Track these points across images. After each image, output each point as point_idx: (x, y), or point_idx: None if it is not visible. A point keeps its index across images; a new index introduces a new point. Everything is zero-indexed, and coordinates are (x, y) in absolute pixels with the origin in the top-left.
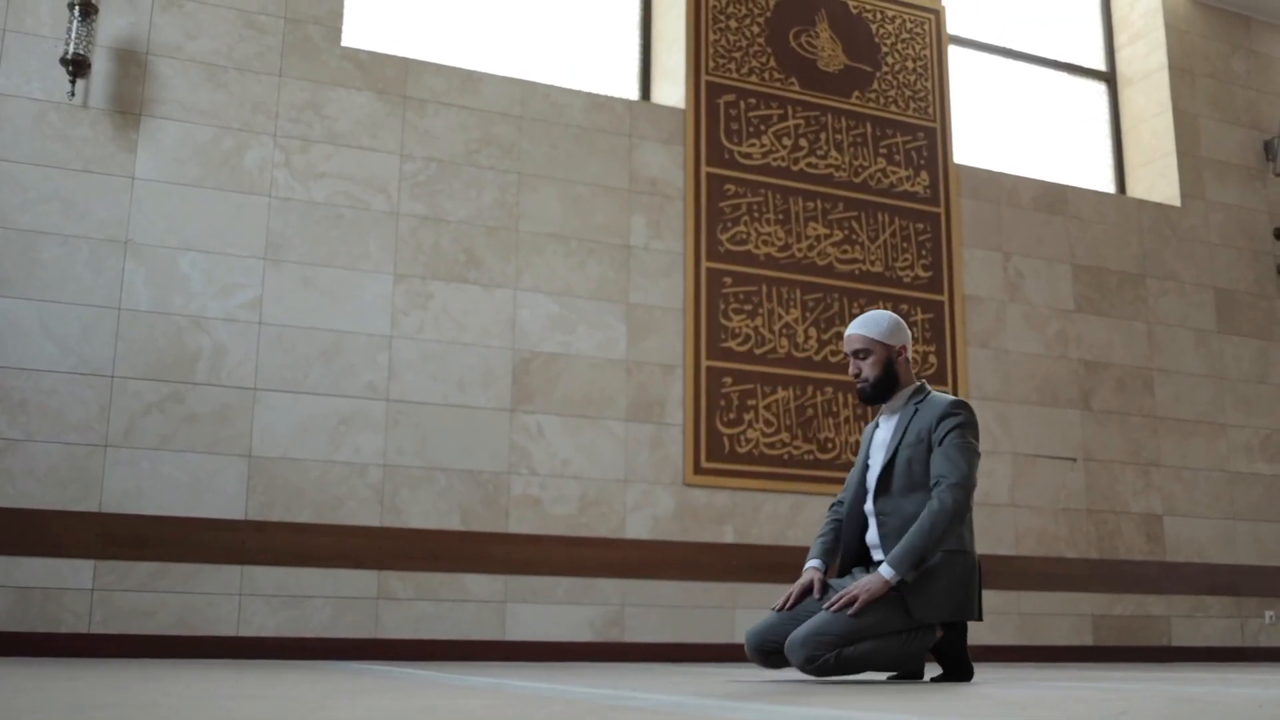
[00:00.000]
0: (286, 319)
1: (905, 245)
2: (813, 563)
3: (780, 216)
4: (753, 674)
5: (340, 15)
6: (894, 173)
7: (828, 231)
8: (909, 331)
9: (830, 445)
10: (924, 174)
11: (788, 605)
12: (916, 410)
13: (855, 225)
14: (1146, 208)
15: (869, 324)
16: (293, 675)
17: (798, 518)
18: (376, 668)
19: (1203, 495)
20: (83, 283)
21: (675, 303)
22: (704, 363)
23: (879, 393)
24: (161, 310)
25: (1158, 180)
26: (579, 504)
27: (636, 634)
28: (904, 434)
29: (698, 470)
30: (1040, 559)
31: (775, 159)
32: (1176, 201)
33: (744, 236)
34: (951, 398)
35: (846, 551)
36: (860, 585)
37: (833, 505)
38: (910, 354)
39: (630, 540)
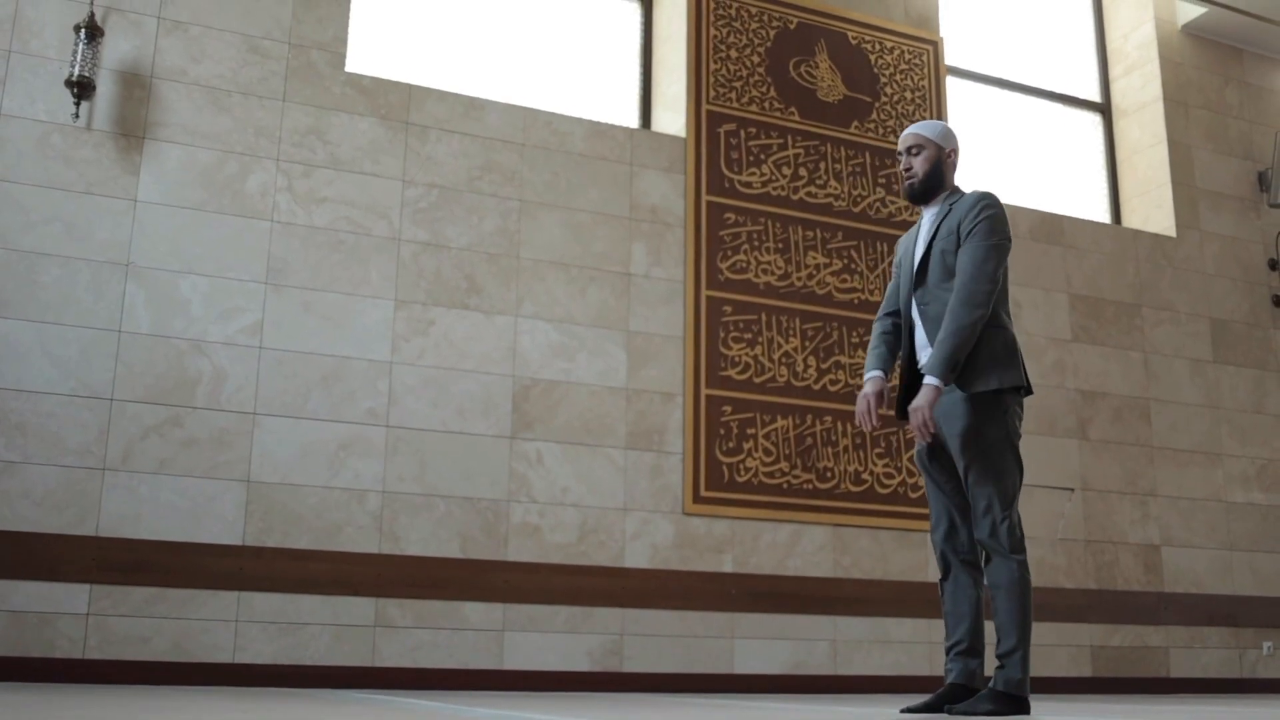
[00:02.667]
0: (287, 344)
1: None
2: (873, 373)
3: (780, 245)
4: (757, 705)
5: (344, 41)
6: (893, 202)
7: (827, 260)
8: (959, 143)
9: (829, 474)
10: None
11: (870, 418)
12: (951, 208)
13: (854, 254)
14: (1142, 238)
15: (923, 125)
16: (295, 705)
17: (797, 547)
18: (377, 697)
19: (1200, 525)
20: (83, 305)
21: (675, 331)
22: (703, 391)
23: (926, 188)
24: (162, 334)
25: (1153, 211)
26: (578, 532)
27: (635, 664)
28: (938, 229)
29: (697, 499)
30: (1038, 589)
31: (775, 188)
32: (1172, 232)
33: (744, 265)
34: (980, 191)
35: (904, 359)
36: (916, 407)
37: (880, 318)
38: (957, 162)
39: (629, 569)
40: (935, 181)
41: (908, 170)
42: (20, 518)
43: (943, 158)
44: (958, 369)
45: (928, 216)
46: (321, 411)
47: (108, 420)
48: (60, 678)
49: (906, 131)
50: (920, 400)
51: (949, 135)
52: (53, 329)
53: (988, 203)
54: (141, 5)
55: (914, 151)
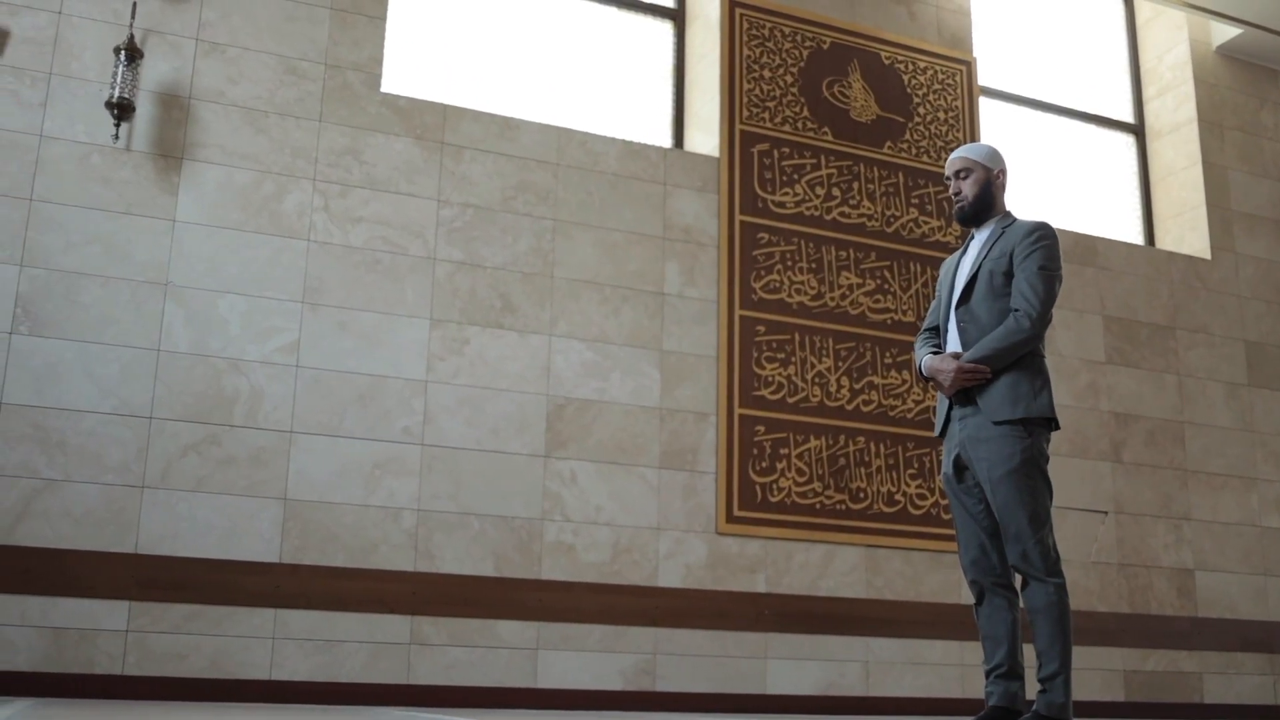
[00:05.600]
0: (323, 363)
1: None
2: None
3: (813, 265)
4: None
5: (380, 62)
6: (926, 223)
7: (860, 281)
8: (1007, 164)
9: (862, 495)
10: (955, 224)
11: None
12: (1004, 231)
13: (887, 275)
14: (1176, 260)
15: (970, 148)
16: None
17: (829, 567)
18: (413, 714)
19: (1234, 550)
20: (123, 325)
21: (709, 350)
22: (737, 411)
23: (976, 210)
24: (200, 353)
25: (1187, 232)
26: (611, 551)
27: (668, 683)
28: (990, 249)
29: (730, 519)
30: (1071, 613)
31: (808, 208)
32: (1206, 254)
33: (777, 285)
34: (1038, 220)
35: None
36: (946, 374)
37: (924, 333)
38: (1006, 183)
39: (662, 588)
40: (985, 204)
41: (957, 194)
42: (60, 535)
43: (991, 179)
44: (989, 369)
45: (979, 238)
46: (357, 430)
47: (147, 439)
48: (99, 694)
49: (953, 155)
50: (948, 363)
51: (996, 156)
52: (93, 348)
53: (1044, 233)
54: (180, 27)
55: (962, 175)
